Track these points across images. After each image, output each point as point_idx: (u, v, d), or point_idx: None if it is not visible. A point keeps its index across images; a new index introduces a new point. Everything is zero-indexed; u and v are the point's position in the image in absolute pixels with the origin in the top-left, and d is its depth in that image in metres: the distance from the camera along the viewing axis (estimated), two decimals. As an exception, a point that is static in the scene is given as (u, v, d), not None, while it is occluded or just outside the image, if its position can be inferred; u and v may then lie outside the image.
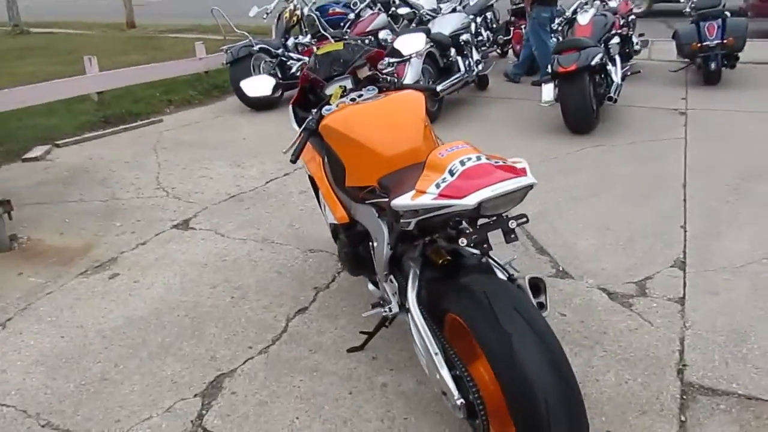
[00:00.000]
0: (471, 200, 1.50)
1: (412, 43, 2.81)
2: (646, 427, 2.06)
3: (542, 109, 5.52)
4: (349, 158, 2.23)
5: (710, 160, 4.55)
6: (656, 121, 5.66)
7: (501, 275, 1.97)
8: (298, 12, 7.45)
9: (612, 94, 5.39)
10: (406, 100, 2.35)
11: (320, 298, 2.95)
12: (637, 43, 7.58)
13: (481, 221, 1.72)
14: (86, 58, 6.59)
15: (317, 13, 7.95)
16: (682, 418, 2.10)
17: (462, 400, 1.70)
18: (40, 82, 6.36)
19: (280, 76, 7.01)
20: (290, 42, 7.29)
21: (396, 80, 2.70)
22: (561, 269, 3.14)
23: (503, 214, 1.68)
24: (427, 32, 5.86)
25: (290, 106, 2.78)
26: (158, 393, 2.35)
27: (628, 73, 6.28)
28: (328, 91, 2.66)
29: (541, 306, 1.99)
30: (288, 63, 6.97)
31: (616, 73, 5.79)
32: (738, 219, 3.58)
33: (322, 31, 6.52)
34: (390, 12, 7.22)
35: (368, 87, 2.64)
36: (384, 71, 2.85)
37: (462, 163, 1.60)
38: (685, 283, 2.95)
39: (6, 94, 5.76)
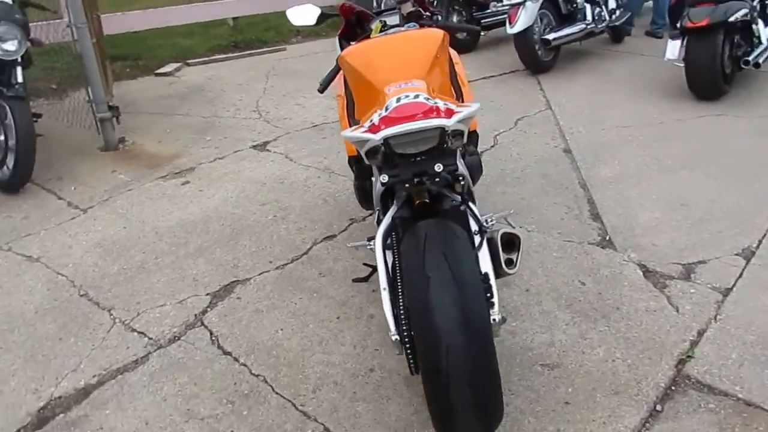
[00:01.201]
0: (377, 136, 1.49)
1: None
2: (611, 407, 1.95)
3: (673, 70, 4.94)
4: (357, 92, 2.25)
5: None
6: (808, 94, 4.88)
7: (474, 225, 1.93)
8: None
9: (752, 58, 4.71)
10: (420, 37, 2.30)
11: (351, 229, 3.06)
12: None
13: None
14: (228, -18, 7.05)
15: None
16: (658, 408, 1.95)
17: (397, 336, 1.74)
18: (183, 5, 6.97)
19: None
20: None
21: (440, 18, 2.63)
22: (607, 238, 2.94)
23: (435, 165, 1.63)
24: (551, -26, 5.49)
25: (337, 38, 2.83)
26: (179, 287, 2.64)
27: (786, 36, 5.42)
28: (372, 25, 2.68)
29: (510, 263, 1.93)
30: None
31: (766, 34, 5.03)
32: None
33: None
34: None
35: (410, 24, 2.61)
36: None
37: (398, 99, 1.58)
38: (741, 274, 2.63)
39: (150, 14, 6.40)
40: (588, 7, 5.81)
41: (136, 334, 2.35)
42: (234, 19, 7.26)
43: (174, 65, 6.11)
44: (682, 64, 4.73)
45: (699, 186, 3.43)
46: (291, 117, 4.68)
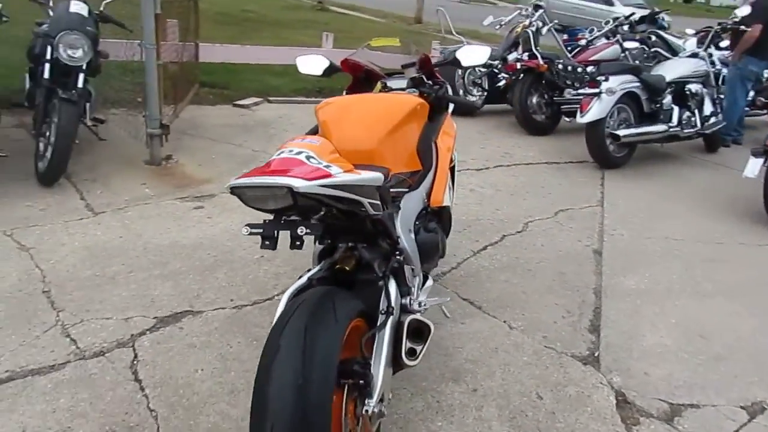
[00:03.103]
0: (228, 185, 1.42)
1: (474, 55, 2.60)
2: None
3: (757, 189, 4.45)
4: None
5: None
6: None
7: (383, 304, 1.77)
8: (532, 28, 7.22)
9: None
10: (393, 101, 2.22)
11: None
12: None
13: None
14: (324, 34, 7.37)
15: (562, 33, 7.70)
16: None
17: None
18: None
19: (486, 86, 6.96)
20: (512, 56, 7.11)
21: (440, 89, 2.54)
22: (595, 355, 2.63)
23: (294, 218, 1.52)
24: (638, 71, 5.24)
25: (344, 92, 2.81)
26: (134, 304, 2.64)
27: None
28: (377, 86, 2.66)
29: (413, 353, 1.75)
30: (498, 76, 6.92)
31: None
32: None
33: (534, 49, 6.28)
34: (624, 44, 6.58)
35: (411, 89, 2.55)
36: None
37: (281, 152, 1.50)
38: (736, 434, 2.24)
39: (246, 49, 6.81)
40: (676, 109, 5.46)
41: (68, 340, 2.36)
42: (327, 67, 7.54)
43: (254, 99, 6.40)
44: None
45: (730, 319, 3.02)
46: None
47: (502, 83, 6.75)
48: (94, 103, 4.37)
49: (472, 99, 7.04)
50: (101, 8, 4.25)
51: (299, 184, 1.33)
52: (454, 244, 3.55)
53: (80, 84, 3.80)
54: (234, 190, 1.41)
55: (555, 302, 3.04)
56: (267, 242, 1.49)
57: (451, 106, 2.76)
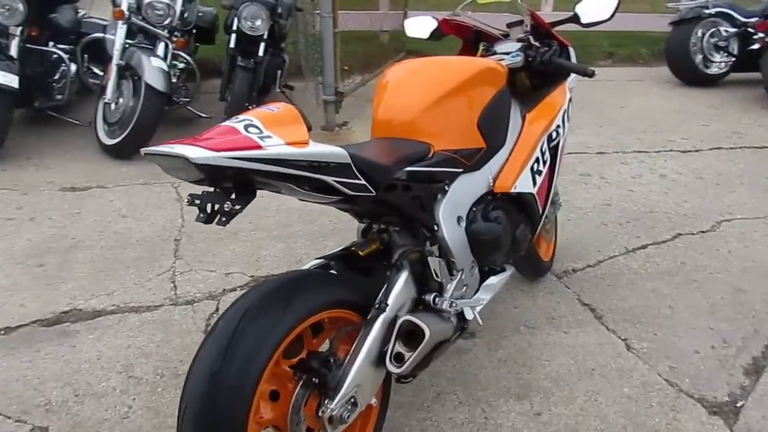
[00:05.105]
0: (142, 150, 1.29)
1: (596, 9, 2.10)
2: None
3: None
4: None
5: None
6: None
7: (381, 296, 1.56)
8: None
9: None
10: (452, 65, 1.90)
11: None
12: None
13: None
14: (545, -4, 6.83)
15: None
16: None
17: None
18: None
19: (733, 50, 5.74)
20: (777, 13, 5.74)
21: (546, 52, 2.11)
22: (735, 404, 2.00)
23: (226, 203, 1.34)
24: None
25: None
26: (240, 260, 2.79)
27: None
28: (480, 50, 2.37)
29: (400, 359, 1.51)
30: (752, 38, 5.63)
31: None
32: None
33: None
34: None
35: (516, 53, 2.18)
36: None
37: (229, 119, 1.35)
38: None
39: (457, 16, 6.62)
40: None
41: (171, 285, 2.60)
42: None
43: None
44: None
45: None
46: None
47: (756, 47, 5.51)
48: (286, 70, 4.71)
49: (715, 68, 5.90)
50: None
51: (196, 154, 1.19)
52: (606, 238, 3.04)
53: (260, 53, 4.09)
54: (148, 157, 1.33)
55: (710, 326, 2.39)
56: (202, 215, 1.39)
57: (573, 76, 2.31)
